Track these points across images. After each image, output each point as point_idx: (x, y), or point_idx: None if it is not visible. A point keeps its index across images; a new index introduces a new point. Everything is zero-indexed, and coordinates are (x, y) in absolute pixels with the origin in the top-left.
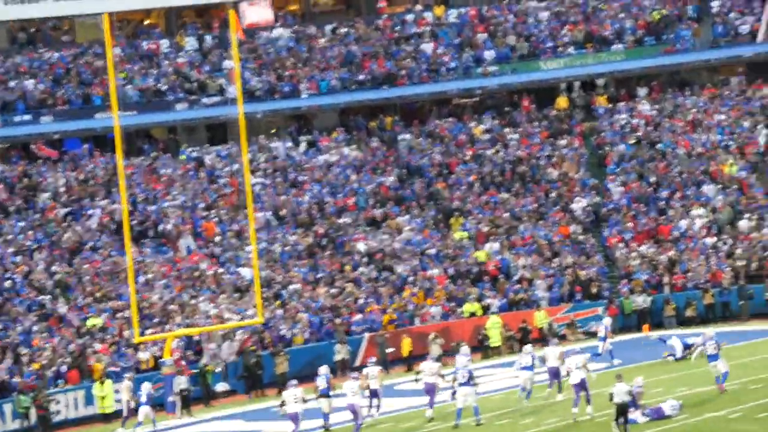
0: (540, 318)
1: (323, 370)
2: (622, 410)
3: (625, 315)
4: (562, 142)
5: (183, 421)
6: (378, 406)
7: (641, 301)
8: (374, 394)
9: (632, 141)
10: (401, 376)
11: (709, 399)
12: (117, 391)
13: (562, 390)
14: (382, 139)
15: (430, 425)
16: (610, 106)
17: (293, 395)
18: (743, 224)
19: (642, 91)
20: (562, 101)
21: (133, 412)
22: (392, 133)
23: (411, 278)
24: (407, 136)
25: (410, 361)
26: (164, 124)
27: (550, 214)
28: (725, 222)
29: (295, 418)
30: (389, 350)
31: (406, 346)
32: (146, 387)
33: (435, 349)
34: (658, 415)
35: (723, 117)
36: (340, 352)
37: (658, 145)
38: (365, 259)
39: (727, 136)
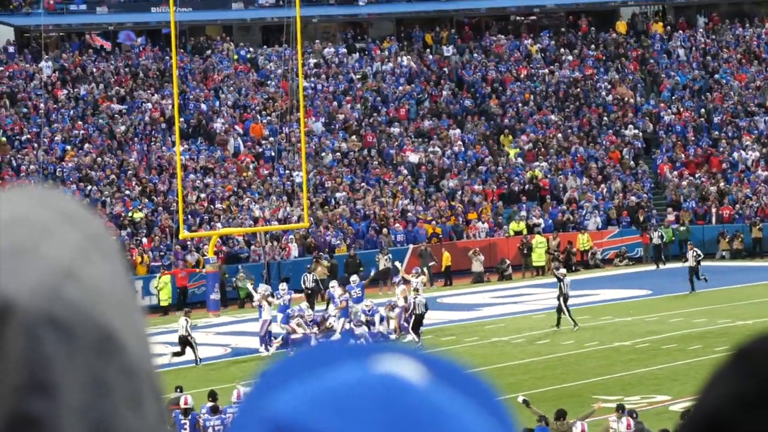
0: (583, 241)
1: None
2: (418, 320)
3: (665, 244)
4: (618, 66)
5: (222, 320)
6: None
7: (682, 230)
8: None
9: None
10: (440, 289)
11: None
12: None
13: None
14: (437, 52)
15: (468, 339)
16: (668, 30)
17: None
18: None
19: (701, 21)
20: (621, 26)
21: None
22: (447, 46)
23: (459, 193)
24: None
25: (450, 276)
26: (219, 23)
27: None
28: None
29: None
30: (432, 263)
31: (446, 260)
32: None
33: (476, 265)
34: None
35: None
36: (382, 262)
37: (715, 76)
38: (413, 171)
39: None
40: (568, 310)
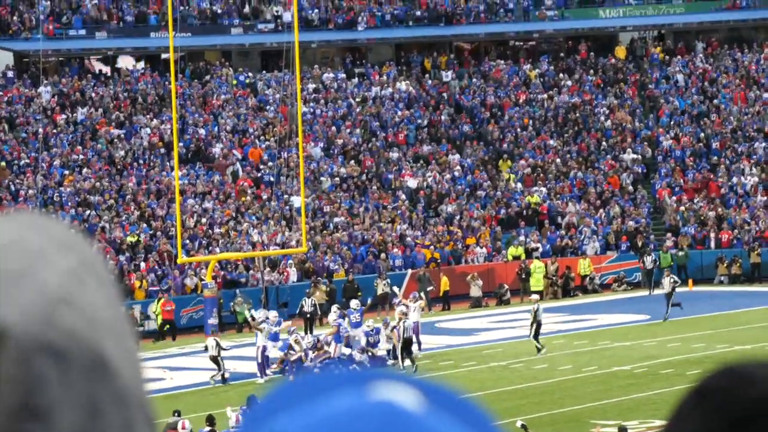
0: (584, 266)
1: (353, 304)
2: (407, 343)
3: (661, 269)
4: (616, 91)
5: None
6: (419, 343)
7: (681, 256)
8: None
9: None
10: (438, 314)
11: None
12: None
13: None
14: (436, 77)
15: (467, 363)
16: (667, 58)
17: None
18: None
19: (699, 46)
20: (620, 51)
21: None
22: (446, 71)
23: (457, 217)
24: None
25: (448, 300)
26: (218, 48)
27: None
28: None
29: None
30: (430, 288)
31: (444, 285)
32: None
33: (474, 290)
34: None
35: None
36: (381, 286)
37: (714, 101)
38: (412, 196)
39: None
40: (535, 336)
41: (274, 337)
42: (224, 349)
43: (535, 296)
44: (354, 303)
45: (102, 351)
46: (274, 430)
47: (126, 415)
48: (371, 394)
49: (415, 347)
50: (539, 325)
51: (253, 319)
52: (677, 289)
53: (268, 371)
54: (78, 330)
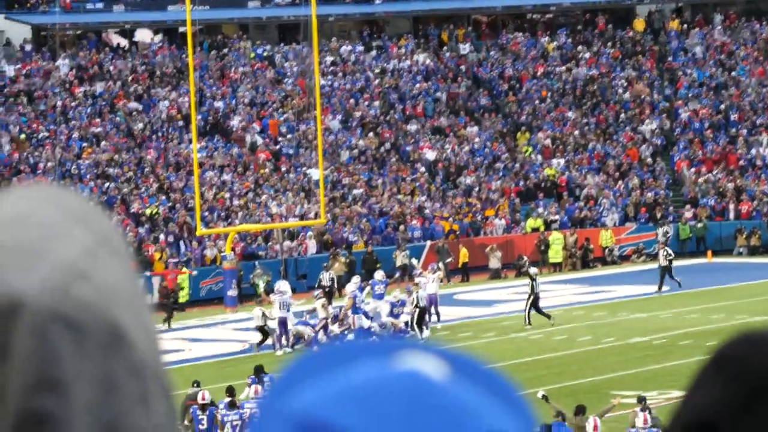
0: (606, 237)
1: (379, 275)
2: (422, 313)
3: (680, 240)
4: (635, 63)
5: (239, 316)
6: (437, 314)
7: (699, 227)
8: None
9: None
10: (457, 286)
11: None
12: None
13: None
14: (453, 49)
15: (486, 335)
16: (685, 29)
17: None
18: None
19: (717, 18)
20: (638, 23)
21: None
22: (464, 44)
23: (476, 189)
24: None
25: (467, 272)
26: (236, 21)
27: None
28: None
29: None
30: (449, 259)
31: (463, 256)
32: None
33: (493, 261)
34: None
35: None
36: (399, 258)
37: (732, 73)
38: (430, 168)
39: None
40: (529, 310)
41: (288, 309)
42: (271, 319)
43: (533, 269)
44: (379, 274)
45: (119, 324)
46: (296, 401)
47: (142, 387)
48: (396, 363)
49: (434, 318)
50: (537, 297)
51: (267, 293)
52: (674, 263)
53: (283, 345)
54: (94, 302)
